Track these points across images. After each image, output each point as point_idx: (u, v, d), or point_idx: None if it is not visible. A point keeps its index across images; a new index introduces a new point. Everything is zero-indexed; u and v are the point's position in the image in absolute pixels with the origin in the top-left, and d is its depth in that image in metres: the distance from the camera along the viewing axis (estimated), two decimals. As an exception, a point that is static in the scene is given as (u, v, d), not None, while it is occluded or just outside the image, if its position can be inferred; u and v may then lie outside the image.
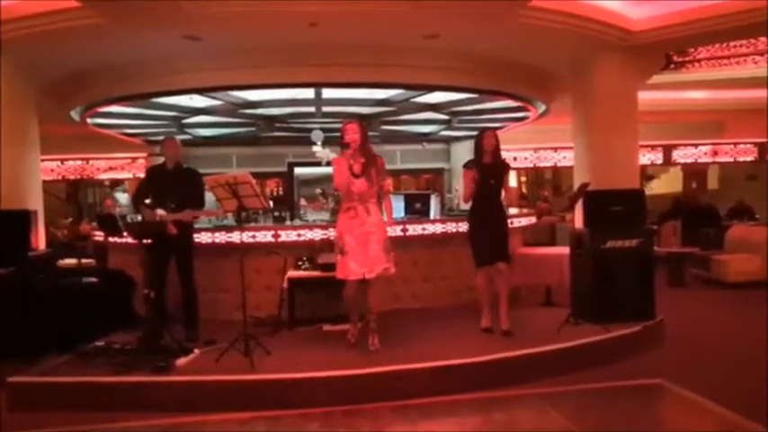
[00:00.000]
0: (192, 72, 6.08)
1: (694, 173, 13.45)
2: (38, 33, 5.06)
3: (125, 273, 5.81)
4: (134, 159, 10.90)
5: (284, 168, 11.35)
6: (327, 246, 5.45)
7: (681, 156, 12.28)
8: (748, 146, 12.19)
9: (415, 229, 6.27)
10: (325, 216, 6.67)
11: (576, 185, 5.97)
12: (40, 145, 6.57)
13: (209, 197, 5.08)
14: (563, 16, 5.36)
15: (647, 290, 5.48)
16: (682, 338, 5.35)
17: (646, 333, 5.08)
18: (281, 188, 11.60)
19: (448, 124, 9.54)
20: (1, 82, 5.56)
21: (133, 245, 5.17)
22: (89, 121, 7.93)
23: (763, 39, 6.46)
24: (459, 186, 6.64)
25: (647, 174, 12.56)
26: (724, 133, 12.10)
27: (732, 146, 12.22)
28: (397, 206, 6.84)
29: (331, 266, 5.04)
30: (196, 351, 4.64)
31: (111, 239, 6.33)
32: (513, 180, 13.54)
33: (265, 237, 5.94)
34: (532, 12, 5.15)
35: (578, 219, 5.93)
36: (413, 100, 7.50)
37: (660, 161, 12.28)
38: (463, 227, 5.29)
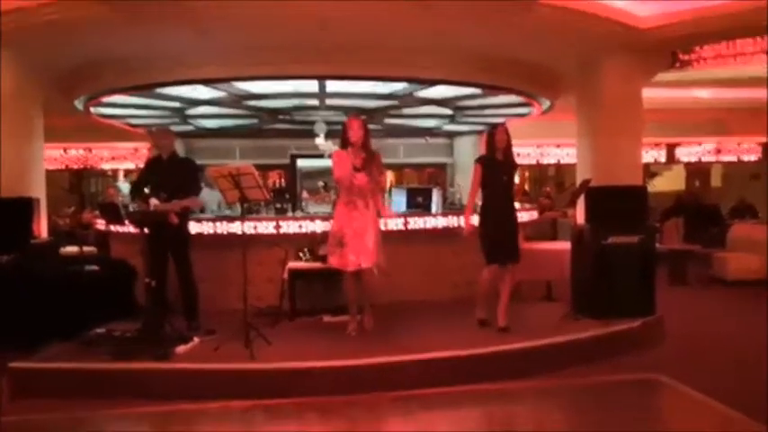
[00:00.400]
0: (197, 64, 6.06)
1: (698, 171, 13.43)
2: (43, 23, 5.05)
3: (126, 261, 5.83)
4: (136, 149, 10.92)
5: (287, 160, 11.37)
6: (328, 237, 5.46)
7: (684, 154, 12.26)
8: (752, 145, 12.17)
9: (416, 223, 6.27)
10: (327, 208, 6.68)
11: (579, 182, 5.96)
12: (43, 134, 6.59)
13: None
14: (569, 14, 5.32)
15: (647, 286, 5.47)
16: (681, 335, 5.35)
17: (645, 329, 5.09)
18: (283, 180, 11.60)
19: (451, 119, 9.52)
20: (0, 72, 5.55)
21: (135, 234, 5.19)
22: (93, 110, 7.93)
23: (768, 37, 6.43)
24: (463, 181, 6.64)
25: (650, 171, 12.53)
26: (728, 132, 12.06)
27: (736, 144, 12.19)
28: (399, 200, 6.86)
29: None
30: (196, 340, 4.66)
31: (112, 228, 6.35)
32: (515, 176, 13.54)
33: (267, 228, 5.96)
34: (539, 10, 5.12)
35: (580, 215, 5.93)
36: (416, 94, 7.49)
37: (663, 159, 12.26)
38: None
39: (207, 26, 5.25)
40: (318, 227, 5.93)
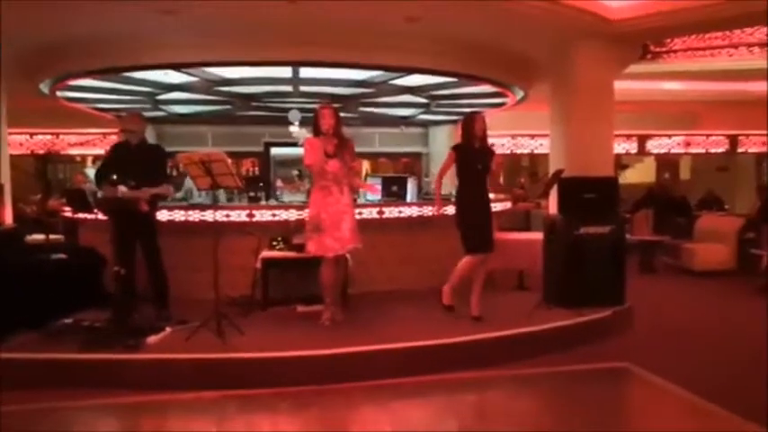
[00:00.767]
0: (167, 47, 5.94)
1: (667, 163, 13.67)
2: (4, 1, 4.88)
3: (95, 250, 5.70)
4: (105, 135, 10.67)
5: (261, 148, 11.23)
6: (302, 226, 5.42)
7: (655, 146, 12.46)
8: (720, 137, 12.42)
9: (391, 212, 6.27)
10: (302, 197, 6.64)
11: (552, 172, 6.01)
12: (7, 118, 6.40)
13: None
14: (542, 2, 5.36)
15: (618, 276, 5.56)
16: (650, 324, 5.48)
17: (615, 318, 5.19)
18: (257, 168, 11.48)
19: (426, 108, 9.51)
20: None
21: (104, 221, 5.08)
22: (59, 94, 7.72)
23: (738, 32, 6.55)
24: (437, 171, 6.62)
25: (621, 163, 12.72)
26: (697, 125, 12.30)
27: (704, 137, 12.43)
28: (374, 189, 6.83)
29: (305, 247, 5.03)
30: (167, 329, 4.59)
31: (81, 216, 6.20)
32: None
33: (240, 216, 5.89)
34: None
35: (552, 205, 5.99)
36: (391, 82, 7.46)
37: (635, 151, 12.45)
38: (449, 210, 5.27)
39: (171, 7, 5.11)
40: (292, 215, 5.88)
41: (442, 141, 11.13)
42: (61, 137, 10.86)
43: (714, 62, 8.05)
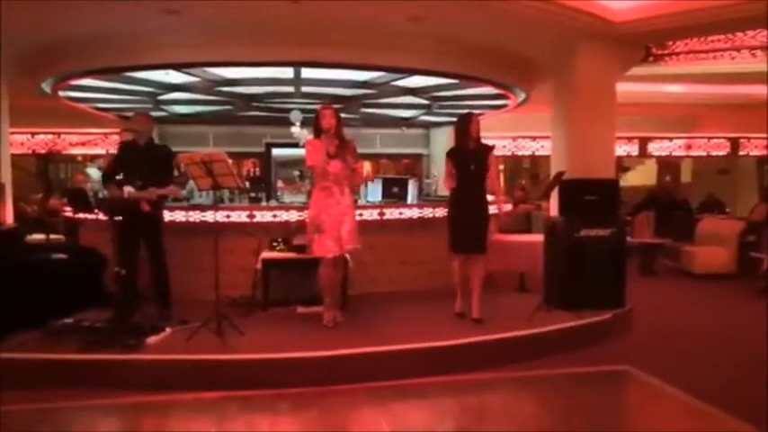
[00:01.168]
0: (169, 46, 5.94)
1: (668, 166, 13.67)
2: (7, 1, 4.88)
3: (96, 249, 5.70)
4: (107, 135, 10.68)
5: (262, 149, 11.23)
6: (303, 227, 5.42)
7: (656, 149, 12.45)
8: (721, 140, 12.41)
9: (392, 213, 6.26)
10: (302, 198, 6.63)
11: (553, 174, 6.01)
12: (9, 117, 6.40)
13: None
14: (545, 3, 5.36)
15: (618, 278, 5.55)
16: (650, 326, 5.48)
17: (616, 321, 5.18)
18: (258, 169, 11.47)
19: (428, 109, 9.52)
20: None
21: (105, 221, 5.07)
22: (61, 94, 7.72)
23: (740, 34, 6.55)
24: (438, 172, 6.65)
25: (622, 165, 12.72)
26: (698, 127, 12.30)
27: (706, 140, 12.43)
28: (375, 190, 6.85)
29: (306, 248, 5.03)
30: (168, 330, 4.59)
31: (82, 216, 6.20)
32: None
33: (240, 217, 5.89)
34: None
35: (553, 207, 5.98)
36: (393, 83, 7.46)
37: (636, 153, 12.44)
38: (440, 212, 5.30)
39: (173, 6, 5.11)
40: (293, 216, 5.88)
41: (443, 143, 11.11)
42: (62, 136, 10.85)
43: (716, 65, 8.06)
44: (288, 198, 7.07)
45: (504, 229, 7.31)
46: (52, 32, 5.88)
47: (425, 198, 7.32)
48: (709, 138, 12.40)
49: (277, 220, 5.91)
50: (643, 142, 12.28)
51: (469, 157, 5.01)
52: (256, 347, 4.22)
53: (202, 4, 5.09)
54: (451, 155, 5.08)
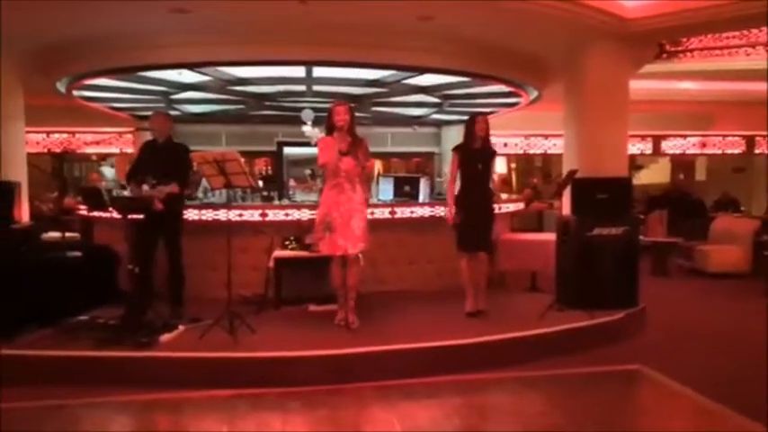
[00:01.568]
0: (182, 46, 5.97)
1: (682, 164, 13.54)
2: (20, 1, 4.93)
3: (110, 247, 5.77)
4: (121, 134, 10.77)
5: (274, 148, 11.27)
6: (315, 226, 5.43)
7: (670, 147, 12.33)
8: (736, 138, 12.27)
9: (403, 212, 6.27)
10: (314, 197, 6.65)
11: (566, 173, 5.98)
12: (24, 116, 6.47)
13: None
14: (556, 1, 5.32)
15: (631, 278, 5.52)
16: (663, 326, 5.43)
17: (628, 320, 5.15)
18: (270, 167, 11.51)
19: (439, 108, 9.49)
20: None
21: (119, 220, 5.12)
22: (75, 93, 7.80)
23: (755, 31, 6.46)
24: (448, 170, 6.63)
25: (636, 163, 12.62)
26: (713, 125, 12.16)
27: (720, 138, 12.29)
28: (386, 188, 6.85)
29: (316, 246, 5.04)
30: (180, 327, 4.63)
31: (96, 214, 6.26)
32: (502, 166, 13.57)
33: (252, 216, 5.92)
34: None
35: (566, 206, 5.95)
36: (404, 82, 7.44)
37: (649, 151, 12.33)
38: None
39: (184, 6, 5.14)
40: (305, 215, 5.90)
41: (455, 141, 10.98)
42: (77, 135, 10.96)
43: (731, 62, 7.95)
44: (299, 197, 7.10)
45: (516, 228, 7.30)
46: (66, 32, 5.93)
47: (437, 197, 7.31)
48: (724, 136, 12.26)
49: (289, 218, 5.94)
50: (657, 140, 12.17)
51: (476, 157, 5.09)
52: (268, 346, 4.25)
53: (212, 3, 5.11)
54: (459, 151, 5.17)
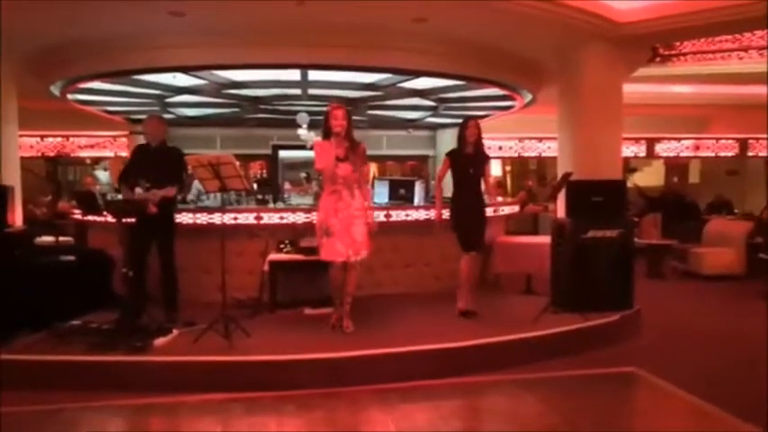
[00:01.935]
0: (176, 49, 5.96)
1: (676, 167, 13.60)
2: (14, 2, 4.90)
3: (104, 251, 5.74)
4: (115, 138, 10.75)
5: (269, 151, 11.27)
6: (310, 229, 5.43)
7: (663, 149, 12.38)
8: (730, 141, 12.34)
9: (398, 215, 6.27)
10: (309, 200, 6.66)
11: (560, 175, 5.99)
12: (18, 120, 6.44)
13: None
14: (549, 4, 5.34)
15: (625, 280, 5.53)
16: (658, 328, 5.45)
17: (623, 322, 5.16)
18: (265, 171, 11.51)
19: (434, 111, 9.52)
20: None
21: (113, 224, 5.10)
22: (69, 96, 7.78)
23: (748, 34, 6.51)
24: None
25: (629, 166, 12.67)
26: (707, 128, 12.23)
27: (714, 141, 12.36)
28: (382, 191, 6.85)
29: (313, 250, 5.03)
30: (175, 331, 4.61)
31: (90, 218, 6.24)
32: (497, 169, 13.60)
33: (247, 219, 5.91)
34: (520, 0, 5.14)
35: (560, 208, 5.97)
36: (400, 85, 7.46)
37: (643, 154, 12.38)
38: (446, 214, 5.34)
39: (179, 8, 5.14)
40: (300, 219, 5.89)
41: (450, 144, 11.00)
42: (71, 139, 10.94)
43: (724, 65, 8.00)
44: (295, 200, 7.10)
45: (511, 231, 7.32)
46: (60, 35, 5.91)
47: (432, 200, 7.31)
48: (718, 138, 12.33)
49: (284, 222, 5.93)
50: (650, 143, 12.22)
51: (468, 161, 5.19)
52: (263, 349, 4.23)
53: (207, 5, 5.10)
54: (451, 156, 5.28)
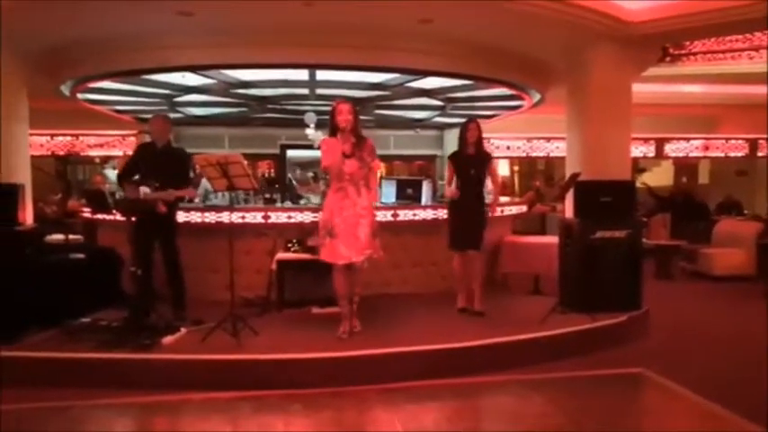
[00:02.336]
0: (185, 49, 5.98)
1: (685, 167, 13.52)
2: (25, 2, 4.94)
3: (113, 250, 5.77)
4: (124, 137, 10.80)
5: (277, 150, 11.30)
6: (318, 228, 5.43)
7: (673, 150, 12.32)
8: (740, 141, 12.26)
9: (405, 215, 6.27)
10: (317, 199, 6.67)
11: (568, 176, 5.98)
12: (29, 119, 6.49)
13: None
14: (558, 4, 5.33)
15: (634, 281, 5.51)
16: (667, 329, 5.43)
17: (631, 323, 5.14)
18: (272, 170, 11.54)
19: (442, 111, 9.50)
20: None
21: (122, 222, 5.14)
22: (79, 96, 7.83)
23: (759, 34, 6.46)
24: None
25: (638, 166, 12.61)
26: (716, 128, 12.15)
27: (724, 141, 12.28)
28: (389, 191, 6.85)
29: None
30: (183, 330, 4.63)
31: (100, 216, 6.28)
32: (505, 169, 13.57)
33: (255, 218, 5.93)
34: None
35: (568, 209, 5.95)
36: (407, 85, 7.45)
37: (653, 154, 12.32)
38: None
39: (188, 7, 5.16)
40: (307, 217, 5.91)
41: (457, 144, 11.10)
42: (81, 138, 11.02)
43: (734, 65, 7.95)
44: (313, 198, 7.08)
45: (519, 231, 7.30)
46: (70, 36, 5.95)
47: (440, 199, 7.31)
48: (727, 139, 12.25)
49: (292, 221, 5.94)
50: (660, 143, 12.16)
51: (469, 162, 5.28)
52: (271, 348, 4.25)
53: (216, 5, 5.12)
54: (453, 158, 5.41)
